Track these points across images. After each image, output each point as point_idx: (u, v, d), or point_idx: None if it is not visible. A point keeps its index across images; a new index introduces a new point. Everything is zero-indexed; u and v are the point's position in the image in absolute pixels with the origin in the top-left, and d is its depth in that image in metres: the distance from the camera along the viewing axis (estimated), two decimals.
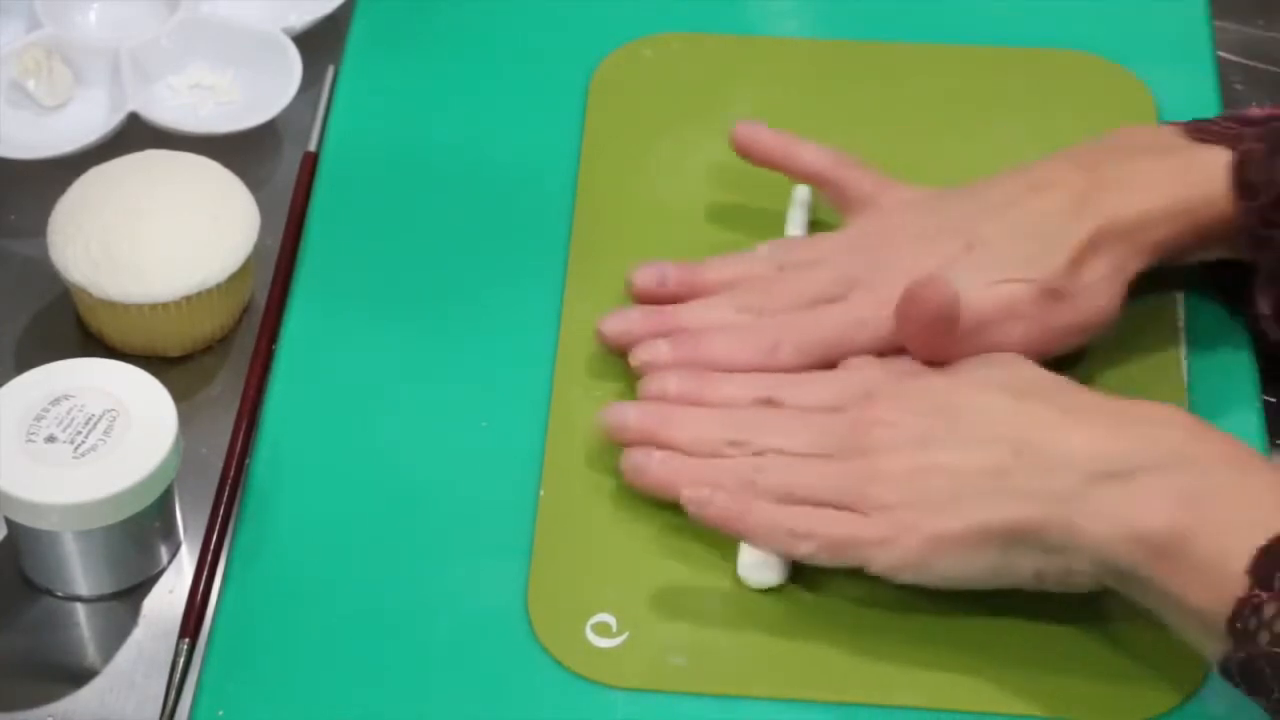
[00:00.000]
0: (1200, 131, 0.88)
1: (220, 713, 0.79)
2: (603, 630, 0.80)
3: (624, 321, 0.88)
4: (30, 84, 0.98)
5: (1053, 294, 0.84)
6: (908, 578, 0.79)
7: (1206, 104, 0.99)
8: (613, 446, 0.85)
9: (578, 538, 0.83)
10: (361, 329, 0.90)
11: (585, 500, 0.84)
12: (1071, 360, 0.87)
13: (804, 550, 0.80)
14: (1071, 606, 0.80)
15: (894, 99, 0.99)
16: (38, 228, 0.90)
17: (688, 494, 0.81)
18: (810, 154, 0.91)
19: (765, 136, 0.92)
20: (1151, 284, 0.89)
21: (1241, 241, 0.86)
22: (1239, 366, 0.89)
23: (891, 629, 0.80)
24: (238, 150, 0.96)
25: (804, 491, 0.80)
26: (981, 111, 0.99)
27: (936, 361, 0.84)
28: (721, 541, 0.82)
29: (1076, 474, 0.76)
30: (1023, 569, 0.78)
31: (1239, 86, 1.02)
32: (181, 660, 0.80)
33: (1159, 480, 0.75)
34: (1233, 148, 0.86)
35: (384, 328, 0.90)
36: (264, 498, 0.85)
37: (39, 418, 0.80)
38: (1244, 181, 0.85)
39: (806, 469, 0.81)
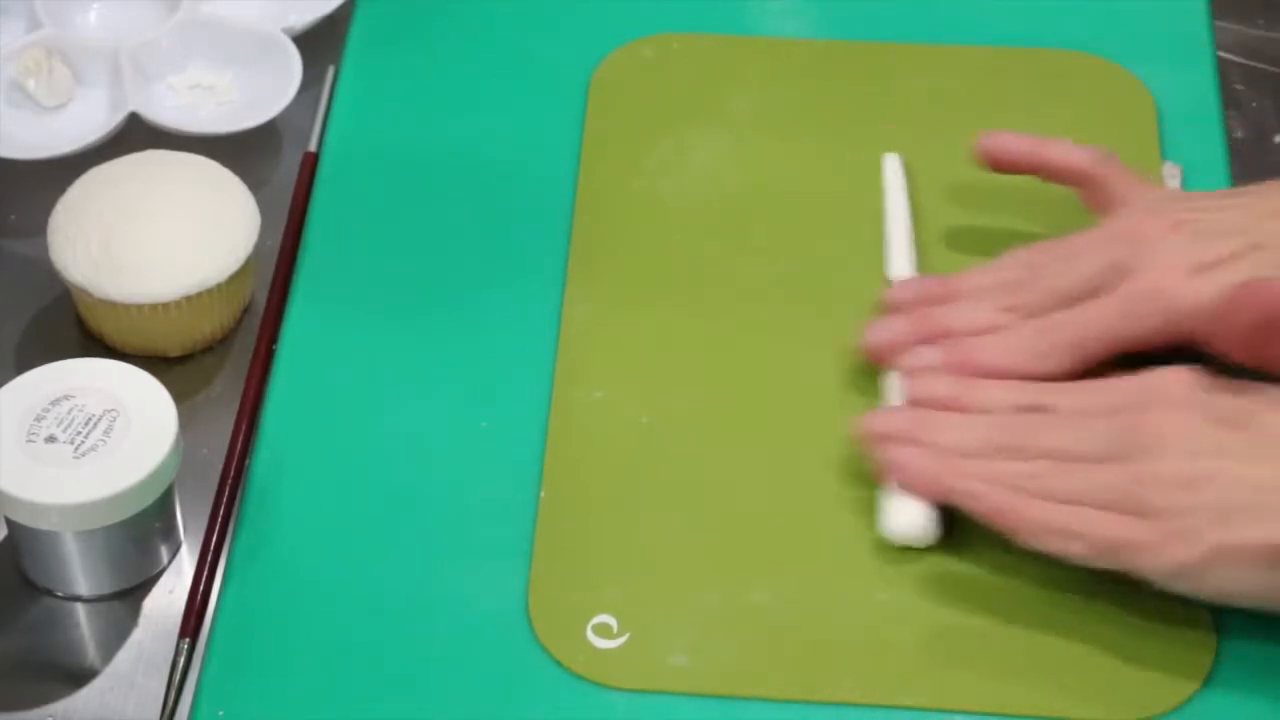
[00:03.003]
0: None
1: (220, 713, 0.79)
2: (603, 631, 0.80)
3: (889, 331, 0.86)
4: (30, 84, 0.98)
5: None
6: (1182, 587, 0.77)
7: (1207, 104, 0.99)
8: (614, 447, 0.85)
9: (578, 538, 0.83)
10: (361, 329, 0.90)
11: (586, 501, 0.84)
12: None
13: (1075, 550, 0.78)
14: (1072, 607, 0.80)
15: (894, 99, 0.99)
16: (38, 228, 0.90)
17: (960, 486, 0.79)
18: (1065, 151, 0.89)
19: (1013, 141, 0.90)
20: None
21: None
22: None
23: (891, 629, 0.80)
24: (238, 150, 0.96)
25: (1075, 497, 0.78)
26: (981, 111, 0.98)
27: (1254, 367, 0.80)
28: (723, 543, 0.82)
29: None
30: None
31: (1239, 86, 1.02)
32: (181, 660, 0.80)
33: None
34: None
35: (384, 328, 0.90)
36: (264, 498, 0.85)
37: (39, 418, 0.80)
38: None
39: (1078, 474, 0.78)
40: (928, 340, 0.85)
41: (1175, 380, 0.80)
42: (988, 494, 0.79)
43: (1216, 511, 0.76)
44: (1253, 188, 0.86)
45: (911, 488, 0.81)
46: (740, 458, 0.86)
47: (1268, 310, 0.78)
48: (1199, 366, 0.80)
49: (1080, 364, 0.83)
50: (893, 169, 0.94)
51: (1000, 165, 0.91)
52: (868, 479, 0.84)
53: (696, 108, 0.99)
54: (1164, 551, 0.76)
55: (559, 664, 0.80)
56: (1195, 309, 0.81)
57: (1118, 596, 0.79)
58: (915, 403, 0.83)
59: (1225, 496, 0.76)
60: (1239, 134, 0.99)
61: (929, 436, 0.81)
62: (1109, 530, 0.77)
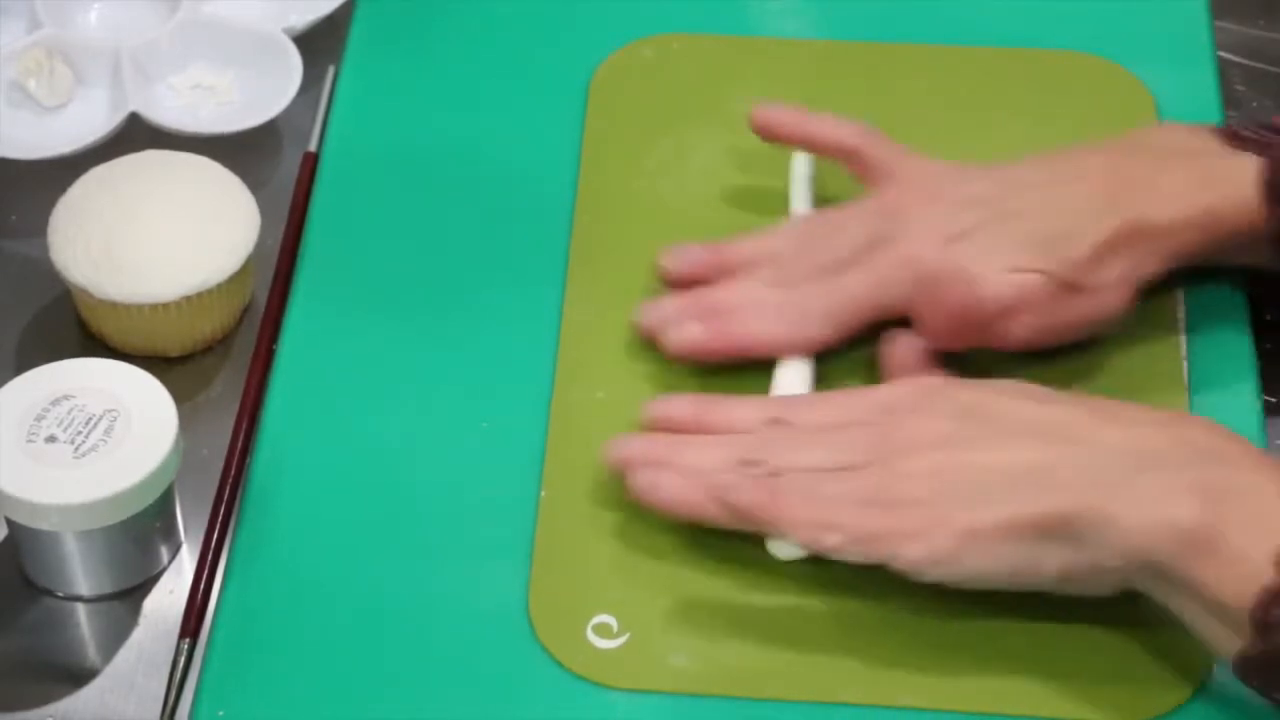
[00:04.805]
0: (1232, 137, 0.87)
1: (220, 713, 0.79)
2: (603, 631, 0.80)
3: (659, 310, 0.88)
4: (31, 84, 0.98)
5: (1068, 287, 0.84)
6: (935, 574, 0.78)
7: (1207, 104, 0.99)
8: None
9: (578, 538, 0.83)
10: (361, 329, 0.90)
11: (586, 501, 0.84)
12: (1072, 358, 0.87)
13: (831, 542, 0.78)
14: (1071, 608, 0.80)
15: (894, 99, 0.99)
16: (38, 228, 0.90)
17: (714, 480, 0.80)
18: (829, 126, 0.91)
19: (782, 114, 0.92)
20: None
21: (1269, 250, 0.86)
22: (1239, 366, 0.89)
23: (892, 630, 0.80)
24: (238, 150, 0.96)
25: (831, 499, 0.79)
26: (981, 112, 0.99)
27: (952, 348, 0.84)
28: (723, 544, 0.82)
29: (1111, 463, 0.76)
30: (1050, 566, 0.77)
31: (1239, 86, 1.02)
32: (181, 660, 0.81)
33: (1190, 474, 0.75)
34: (1264, 155, 0.85)
35: (384, 328, 0.90)
36: (264, 498, 0.85)
37: (39, 418, 0.80)
38: (1274, 189, 0.84)
39: (830, 480, 0.80)
40: (695, 316, 0.88)
41: (912, 388, 0.82)
42: (743, 489, 0.79)
43: (964, 497, 0.78)
44: (1012, 163, 0.89)
45: (664, 511, 0.81)
46: None
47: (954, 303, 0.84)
48: (930, 377, 0.84)
49: (840, 331, 0.87)
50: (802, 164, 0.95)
51: (769, 135, 0.93)
52: None
53: (696, 108, 0.99)
54: (919, 539, 0.77)
55: (559, 664, 0.80)
56: (951, 275, 0.84)
57: (1115, 601, 0.79)
58: (655, 424, 0.84)
59: (970, 482, 0.78)
60: None
61: (674, 461, 0.82)
62: (865, 521, 0.78)
